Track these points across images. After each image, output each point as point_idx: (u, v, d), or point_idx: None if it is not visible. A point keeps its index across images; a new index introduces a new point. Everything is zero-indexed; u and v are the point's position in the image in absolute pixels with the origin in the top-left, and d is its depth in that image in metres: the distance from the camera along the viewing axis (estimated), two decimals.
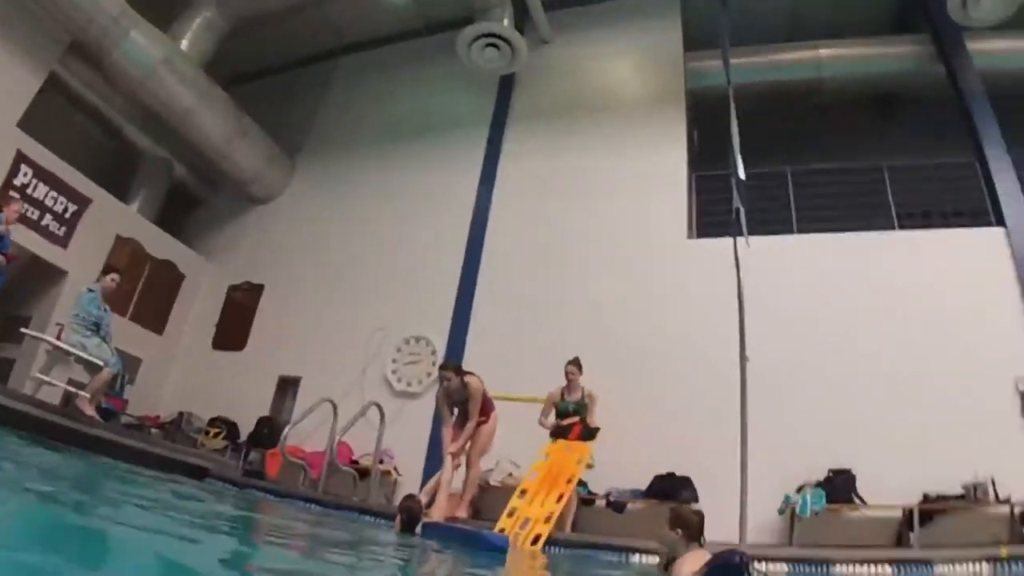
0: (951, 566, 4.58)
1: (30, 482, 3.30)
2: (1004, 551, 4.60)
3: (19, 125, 8.98)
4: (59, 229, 9.45)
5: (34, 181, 9.10)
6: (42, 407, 5.74)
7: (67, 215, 9.57)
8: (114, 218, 10.37)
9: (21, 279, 9.96)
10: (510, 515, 5.52)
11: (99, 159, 11.17)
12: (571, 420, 6.64)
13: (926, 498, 6.76)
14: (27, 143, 9.01)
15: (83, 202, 9.78)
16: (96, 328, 6.73)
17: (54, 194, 9.37)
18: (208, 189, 12.98)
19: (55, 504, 2.77)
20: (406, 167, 11.61)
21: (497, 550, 4.56)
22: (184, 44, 10.81)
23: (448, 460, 6.01)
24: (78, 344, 6.55)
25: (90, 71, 9.97)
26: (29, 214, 9.03)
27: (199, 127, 10.86)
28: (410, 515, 4.99)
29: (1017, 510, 6.44)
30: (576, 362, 6.83)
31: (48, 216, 9.31)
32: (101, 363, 6.56)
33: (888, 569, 4.63)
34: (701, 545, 3.62)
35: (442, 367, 6.42)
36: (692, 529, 3.66)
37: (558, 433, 6.61)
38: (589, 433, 6.56)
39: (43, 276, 9.46)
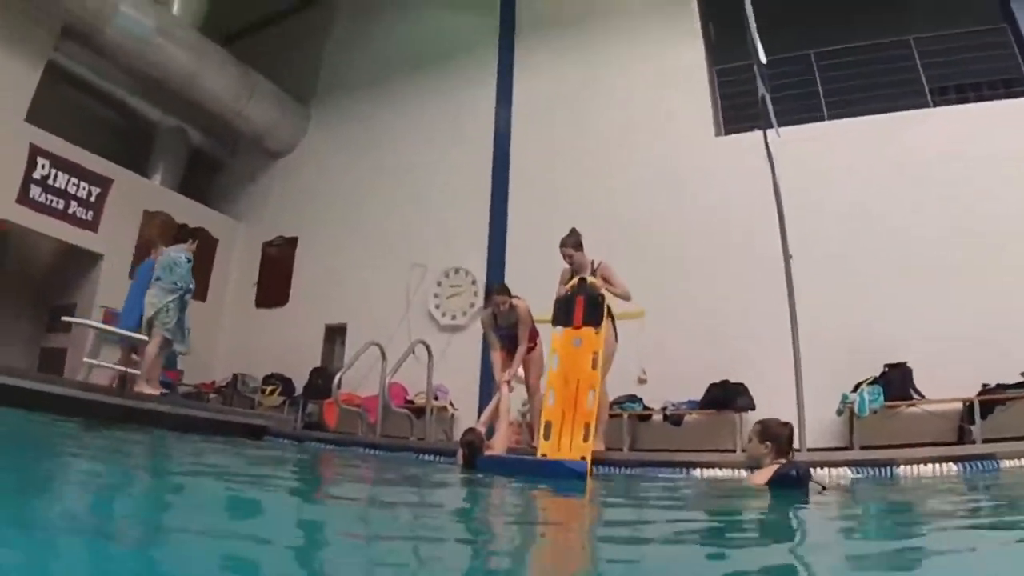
0: (1017, 460, 4.36)
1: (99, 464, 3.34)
2: None
3: (27, 119, 8.94)
4: (86, 214, 9.52)
5: (53, 171, 9.12)
6: (92, 390, 5.84)
7: (92, 199, 9.61)
8: (138, 194, 10.38)
9: (59, 269, 10.19)
10: None
11: (114, 139, 11.14)
12: (570, 285, 5.52)
13: (985, 388, 6.47)
14: (39, 135, 9.01)
15: (105, 184, 9.80)
16: (183, 301, 6.82)
17: (75, 180, 9.41)
18: (227, 150, 12.87)
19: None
20: (421, 97, 11.22)
21: (575, 477, 4.41)
22: (175, 8, 10.66)
23: (504, 389, 5.73)
24: (164, 307, 6.63)
25: (87, 52, 9.78)
26: (54, 204, 9.12)
27: (206, 89, 10.65)
28: (471, 449, 4.95)
29: None
30: (569, 242, 5.78)
31: (73, 203, 9.37)
32: (146, 339, 6.61)
33: (954, 467, 4.42)
34: (790, 458, 3.53)
35: (496, 292, 5.88)
36: (781, 442, 3.62)
37: (559, 319, 5.41)
38: (594, 307, 5.27)
39: (79, 263, 9.63)
